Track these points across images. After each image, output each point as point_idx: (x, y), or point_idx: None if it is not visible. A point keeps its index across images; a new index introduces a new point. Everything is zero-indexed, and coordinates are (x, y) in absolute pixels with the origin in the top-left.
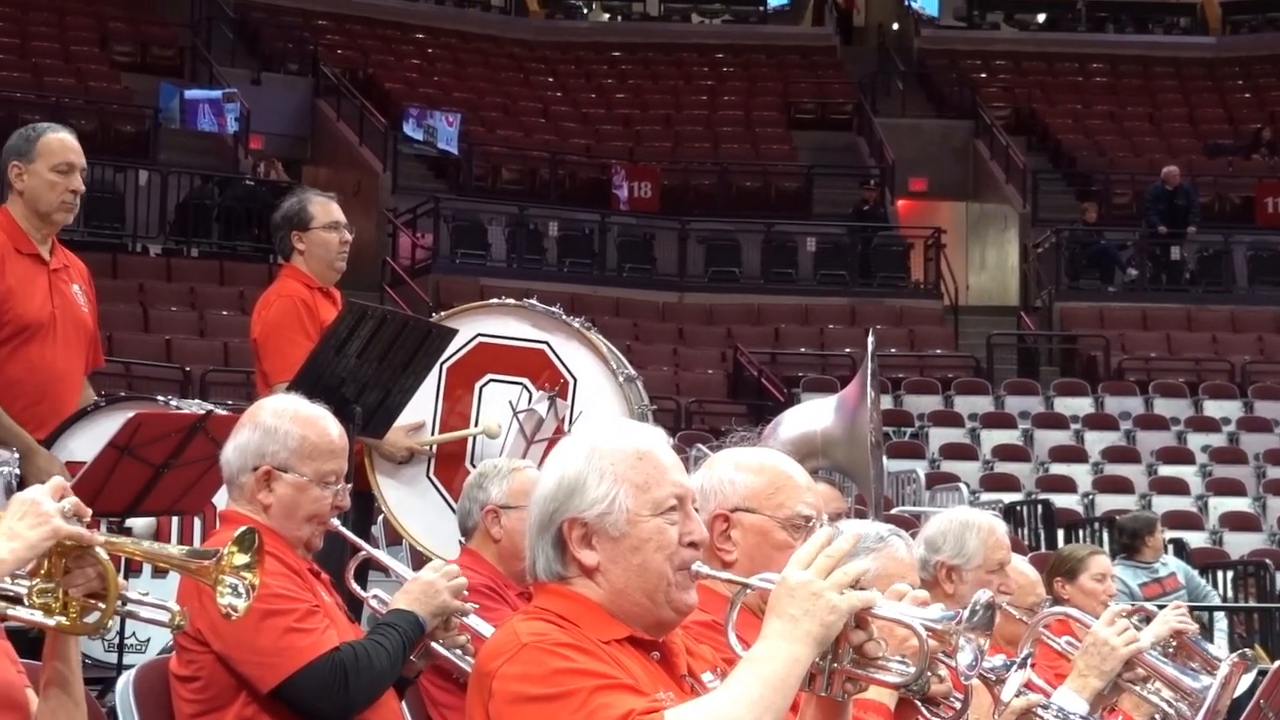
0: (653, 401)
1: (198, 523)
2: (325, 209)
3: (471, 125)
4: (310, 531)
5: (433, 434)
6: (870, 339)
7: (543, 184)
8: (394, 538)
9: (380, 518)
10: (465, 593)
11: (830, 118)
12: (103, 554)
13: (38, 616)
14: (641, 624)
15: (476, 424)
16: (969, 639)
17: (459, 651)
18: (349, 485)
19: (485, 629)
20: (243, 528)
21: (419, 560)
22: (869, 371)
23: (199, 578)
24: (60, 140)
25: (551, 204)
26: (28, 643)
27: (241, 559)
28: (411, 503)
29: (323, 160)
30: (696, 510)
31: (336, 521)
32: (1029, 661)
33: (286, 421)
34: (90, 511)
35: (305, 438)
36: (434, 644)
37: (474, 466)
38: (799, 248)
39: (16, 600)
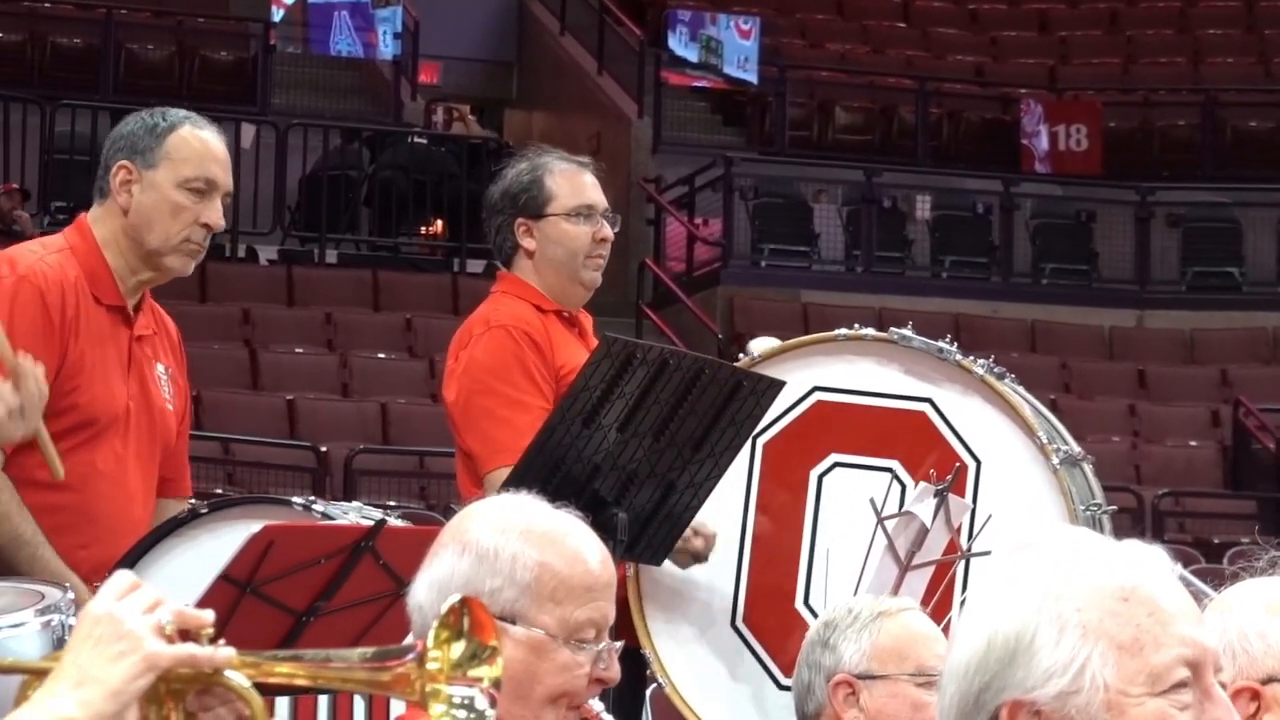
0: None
1: (360, 705)
2: (573, 184)
3: (781, 36)
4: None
5: (741, 541)
6: None
7: (904, 132)
8: None
9: (651, 690)
10: None
11: None
12: (242, 682)
13: None
14: None
15: (815, 532)
16: None
17: None
18: (618, 645)
19: None
20: (453, 595)
21: None
22: None
23: (400, 694)
24: (203, 142)
25: (920, 165)
26: None
27: (460, 649)
28: (708, 668)
29: (538, 101)
30: (1222, 686)
31: (598, 706)
32: None
33: (514, 540)
34: (209, 620)
35: (546, 566)
36: None
37: (813, 610)
38: None
39: None
